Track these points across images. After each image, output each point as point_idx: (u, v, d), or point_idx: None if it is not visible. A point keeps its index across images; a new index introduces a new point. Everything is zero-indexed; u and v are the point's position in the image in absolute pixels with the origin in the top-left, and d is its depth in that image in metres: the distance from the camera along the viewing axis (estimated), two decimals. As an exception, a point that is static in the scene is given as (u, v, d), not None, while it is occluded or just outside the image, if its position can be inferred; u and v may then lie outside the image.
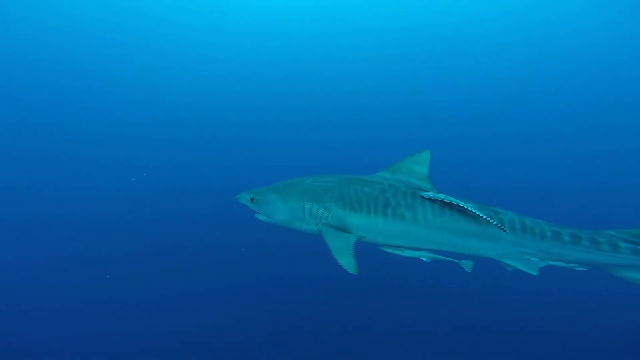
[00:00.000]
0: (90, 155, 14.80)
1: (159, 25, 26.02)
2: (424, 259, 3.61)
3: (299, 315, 6.97)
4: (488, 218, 3.26)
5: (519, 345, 6.39)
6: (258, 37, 26.67)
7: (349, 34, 26.52)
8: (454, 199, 3.35)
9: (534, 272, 3.27)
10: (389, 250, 3.61)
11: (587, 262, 3.31)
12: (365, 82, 23.27)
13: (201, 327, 6.89)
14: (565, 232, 3.28)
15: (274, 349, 6.41)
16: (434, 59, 25.25)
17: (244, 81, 23.98)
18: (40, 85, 20.63)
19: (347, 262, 3.16)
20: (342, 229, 3.49)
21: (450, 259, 3.65)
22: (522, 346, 6.40)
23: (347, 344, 6.44)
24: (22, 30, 22.93)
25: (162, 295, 7.60)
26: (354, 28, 26.65)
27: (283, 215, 3.75)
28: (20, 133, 16.41)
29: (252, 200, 3.89)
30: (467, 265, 3.65)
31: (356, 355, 6.27)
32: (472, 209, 3.27)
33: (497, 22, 25.66)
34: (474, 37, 25.60)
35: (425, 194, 3.45)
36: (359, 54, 25.58)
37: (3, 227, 9.74)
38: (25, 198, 11.72)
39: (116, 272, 8.25)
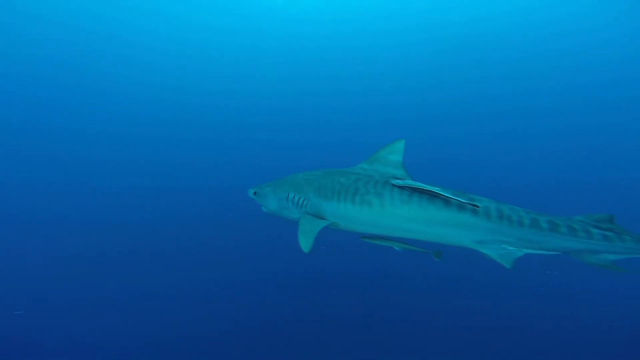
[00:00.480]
0: (94, 155, 14.86)
1: (161, 25, 26.00)
2: (396, 248, 3.64)
3: (303, 312, 7.04)
4: (459, 199, 3.16)
5: (518, 342, 6.42)
6: (265, 38, 26.70)
7: (352, 35, 26.59)
8: (425, 185, 3.27)
9: (507, 265, 3.18)
10: (367, 240, 3.71)
11: (563, 249, 3.24)
12: (373, 83, 23.55)
13: (202, 325, 6.92)
14: (543, 220, 3.20)
15: (276, 346, 6.43)
16: (433, 59, 25.36)
17: (253, 82, 24.14)
18: (42, 84, 20.69)
19: (305, 241, 3.38)
20: (319, 216, 3.67)
21: (422, 249, 3.61)
22: (522, 343, 6.44)
23: (349, 341, 6.47)
24: (26, 28, 22.92)
25: (166, 294, 7.65)
26: (355, 29, 26.68)
27: (274, 205, 4.13)
28: (24, 132, 16.46)
29: (254, 193, 4.32)
30: (436, 255, 3.60)
31: (359, 351, 6.31)
32: (442, 193, 3.18)
33: (488, 22, 25.71)
34: (470, 37, 25.67)
35: (395, 182, 3.45)
36: (365, 56, 25.73)
37: (4, 227, 9.76)
38: (28, 197, 11.75)
39: (117, 271, 8.28)
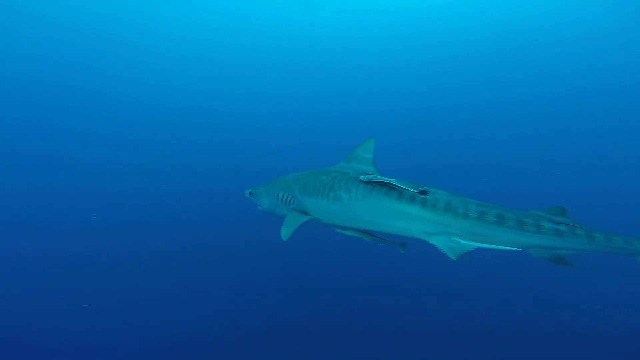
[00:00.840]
0: (94, 156, 14.86)
1: (163, 26, 26.01)
2: (366, 239, 3.83)
3: (302, 313, 7.07)
4: (410, 189, 3.23)
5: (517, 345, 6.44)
6: (270, 40, 26.71)
7: (360, 37, 26.64)
8: (384, 178, 3.39)
9: (453, 256, 3.10)
10: (339, 231, 3.94)
11: (513, 243, 3.10)
12: (372, 84, 23.61)
13: (201, 325, 6.93)
14: (492, 213, 3.08)
15: (275, 347, 6.45)
16: (431, 61, 25.48)
17: (256, 85, 24.16)
18: (42, 84, 20.66)
19: (286, 232, 3.69)
20: (304, 212, 3.94)
21: (389, 241, 3.75)
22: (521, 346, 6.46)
23: (348, 341, 6.50)
24: (26, 28, 22.90)
25: (166, 294, 7.66)
26: (355, 30, 26.74)
27: (267, 204, 4.44)
28: (24, 133, 16.45)
29: (250, 194, 4.63)
30: (401, 247, 3.72)
31: (359, 352, 6.34)
32: (395, 183, 3.26)
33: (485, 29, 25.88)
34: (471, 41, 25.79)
35: (363, 177, 3.60)
36: (365, 59, 25.77)
37: (5, 227, 9.76)
38: (28, 197, 11.74)
39: (117, 271, 8.29)
